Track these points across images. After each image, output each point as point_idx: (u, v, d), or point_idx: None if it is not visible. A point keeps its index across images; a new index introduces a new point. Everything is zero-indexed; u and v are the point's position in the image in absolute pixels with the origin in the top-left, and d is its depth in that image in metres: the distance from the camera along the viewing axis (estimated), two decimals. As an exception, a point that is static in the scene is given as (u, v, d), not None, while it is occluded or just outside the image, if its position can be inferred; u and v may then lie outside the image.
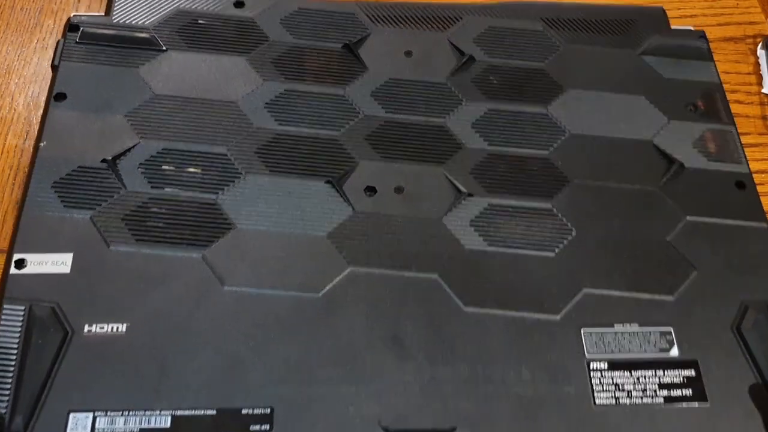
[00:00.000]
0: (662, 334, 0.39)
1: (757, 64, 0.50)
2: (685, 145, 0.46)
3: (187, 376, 0.36)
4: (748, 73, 0.50)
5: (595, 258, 0.41)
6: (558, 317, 0.39)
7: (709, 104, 0.48)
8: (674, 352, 0.39)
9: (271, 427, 0.35)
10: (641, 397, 0.37)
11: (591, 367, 0.38)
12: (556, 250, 0.41)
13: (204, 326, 0.38)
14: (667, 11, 0.52)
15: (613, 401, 0.37)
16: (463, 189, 0.43)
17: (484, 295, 0.40)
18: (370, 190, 0.43)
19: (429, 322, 0.39)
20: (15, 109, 0.47)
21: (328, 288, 0.39)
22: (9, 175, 0.46)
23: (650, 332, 0.39)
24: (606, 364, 0.38)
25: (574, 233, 0.42)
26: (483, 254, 0.41)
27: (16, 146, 0.45)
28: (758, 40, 0.51)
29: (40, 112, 0.46)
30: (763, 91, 0.49)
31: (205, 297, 0.39)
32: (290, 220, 0.41)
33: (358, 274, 0.40)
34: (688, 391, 0.37)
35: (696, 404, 0.37)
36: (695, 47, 0.50)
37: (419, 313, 0.39)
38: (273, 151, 0.44)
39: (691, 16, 0.54)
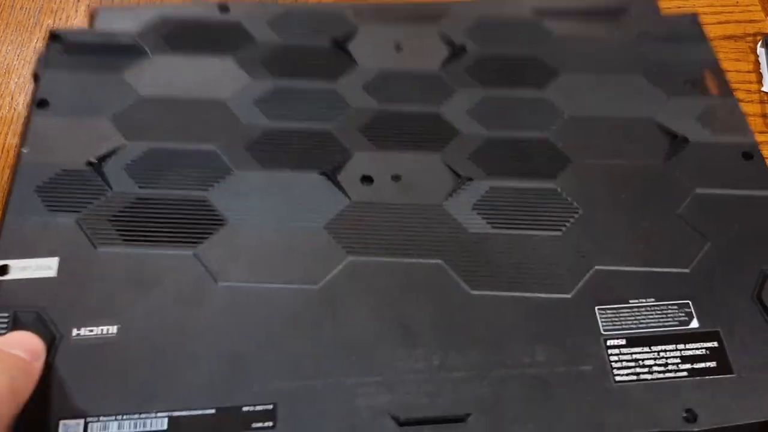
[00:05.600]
0: (680, 306, 0.37)
1: (757, 63, 0.50)
2: (688, 120, 0.45)
3: (184, 376, 0.34)
4: (748, 72, 0.49)
5: (604, 235, 0.40)
6: (569, 296, 0.37)
7: (708, 80, 0.47)
8: (694, 324, 0.37)
9: (275, 424, 0.33)
10: (663, 372, 0.35)
11: (608, 344, 0.36)
12: (564, 229, 0.40)
13: (199, 324, 0.36)
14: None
15: (634, 377, 0.35)
16: (462, 174, 0.42)
17: (492, 277, 0.38)
18: (367, 179, 0.41)
19: (436, 307, 0.37)
20: (15, 109, 0.46)
21: (327, 279, 0.38)
22: (9, 174, 0.44)
23: (668, 306, 0.37)
24: (624, 340, 0.36)
25: (581, 212, 0.40)
26: (487, 237, 0.39)
27: (15, 146, 0.44)
28: (758, 38, 0.51)
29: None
30: (763, 89, 0.48)
31: (199, 294, 0.37)
32: (284, 213, 0.40)
33: (357, 263, 0.38)
34: (712, 363, 0.35)
35: (721, 376, 0.35)
36: (688, 30, 0.49)
37: (424, 299, 0.37)
38: (264, 146, 0.43)
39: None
